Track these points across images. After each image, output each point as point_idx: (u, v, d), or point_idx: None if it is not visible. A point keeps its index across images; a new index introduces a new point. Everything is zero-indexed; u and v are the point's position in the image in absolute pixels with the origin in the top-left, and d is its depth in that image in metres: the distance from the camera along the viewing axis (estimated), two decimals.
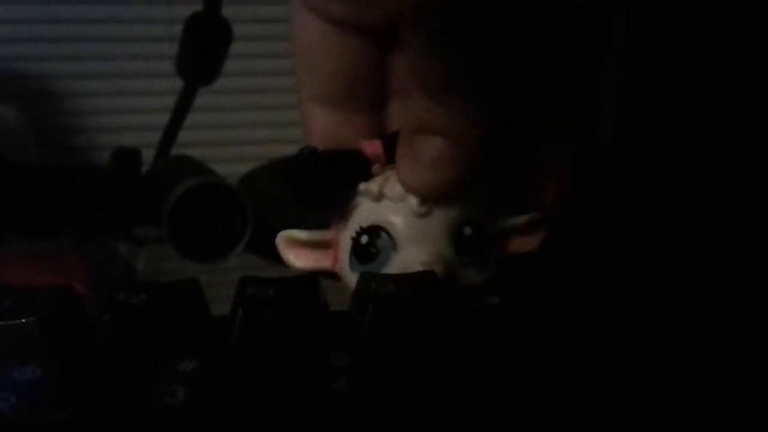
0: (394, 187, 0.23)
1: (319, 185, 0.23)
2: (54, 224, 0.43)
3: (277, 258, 0.28)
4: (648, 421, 0.18)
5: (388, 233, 0.22)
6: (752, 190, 0.38)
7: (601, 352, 0.20)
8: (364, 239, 0.23)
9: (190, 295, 0.20)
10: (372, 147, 0.24)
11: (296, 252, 0.24)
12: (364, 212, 0.23)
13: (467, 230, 0.22)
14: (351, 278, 0.23)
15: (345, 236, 0.23)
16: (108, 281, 0.40)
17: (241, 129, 0.87)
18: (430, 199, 0.22)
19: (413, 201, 0.22)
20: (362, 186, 0.23)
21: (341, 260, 0.24)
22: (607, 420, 0.18)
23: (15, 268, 0.35)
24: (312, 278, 0.22)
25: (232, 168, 0.56)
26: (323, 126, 0.26)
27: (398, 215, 0.22)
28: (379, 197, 0.23)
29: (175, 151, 0.52)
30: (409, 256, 0.22)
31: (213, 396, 0.17)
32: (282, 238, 0.24)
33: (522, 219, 0.24)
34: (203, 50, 0.48)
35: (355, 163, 0.24)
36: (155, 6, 0.81)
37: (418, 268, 0.21)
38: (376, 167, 0.24)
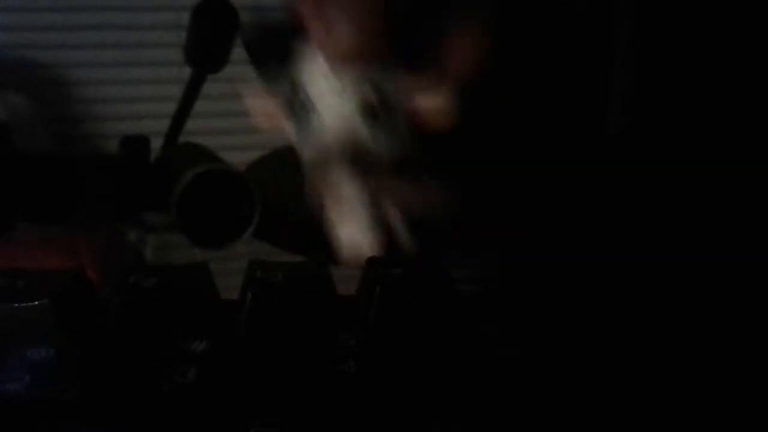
0: (312, 55, 0.26)
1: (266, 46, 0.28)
2: (64, 211, 0.43)
3: (284, 245, 0.29)
4: (651, 413, 0.18)
5: (305, 90, 0.27)
6: (760, 184, 0.38)
7: (602, 341, 0.20)
8: (289, 91, 0.27)
9: (200, 278, 0.20)
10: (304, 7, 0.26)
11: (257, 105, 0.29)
12: (293, 72, 0.27)
13: (372, 95, 0.26)
14: (292, 131, 0.28)
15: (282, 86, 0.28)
16: (117, 267, 0.40)
17: (249, 117, 0.87)
18: (338, 63, 0.26)
19: (323, 65, 0.26)
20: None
21: None
22: (606, 398, 0.18)
23: (26, 253, 0.35)
24: (320, 263, 0.23)
25: (239, 156, 0.56)
26: None
27: (313, 75, 0.26)
28: (301, 62, 0.27)
29: (183, 139, 0.53)
30: (320, 118, 0.26)
31: (224, 376, 0.17)
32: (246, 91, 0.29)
33: (427, 80, 0.26)
34: (211, 38, 0.49)
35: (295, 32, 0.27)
36: None
37: (328, 136, 0.26)
38: None
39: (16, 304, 0.18)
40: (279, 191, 0.50)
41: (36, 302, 0.18)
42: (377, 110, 0.25)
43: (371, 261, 0.21)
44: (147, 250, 0.49)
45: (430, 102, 0.26)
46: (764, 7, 0.37)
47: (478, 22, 0.27)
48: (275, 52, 0.27)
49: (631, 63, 0.42)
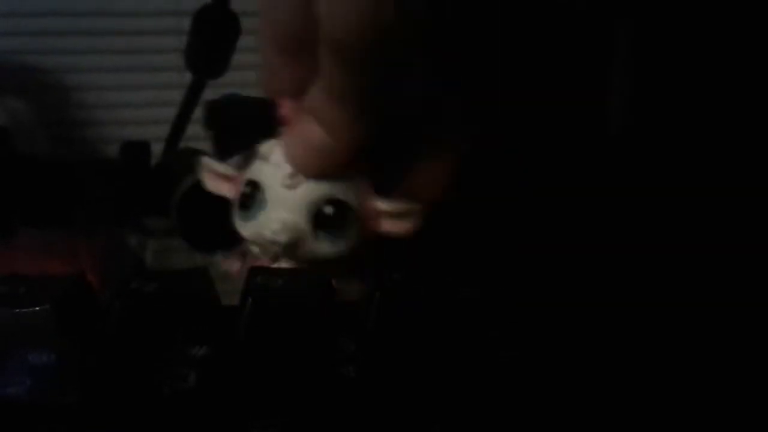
0: (277, 154, 0.25)
1: (228, 125, 0.25)
2: (64, 216, 0.43)
3: None
4: (648, 414, 0.18)
5: (263, 191, 0.25)
6: (760, 185, 0.38)
7: (603, 343, 0.20)
8: (246, 189, 0.25)
9: (201, 282, 0.20)
10: (285, 109, 0.25)
11: (211, 179, 0.27)
12: (255, 166, 0.26)
13: (327, 209, 0.24)
14: (235, 217, 0.26)
15: (243, 178, 0.26)
16: (117, 271, 0.40)
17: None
18: (302, 175, 0.24)
19: (286, 172, 0.24)
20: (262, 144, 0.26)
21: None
22: (602, 407, 0.18)
23: (27, 258, 0.35)
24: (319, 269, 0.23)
25: None
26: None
27: (273, 180, 0.25)
28: (266, 158, 0.25)
29: (183, 144, 0.53)
30: (266, 220, 0.24)
31: (224, 381, 0.17)
32: (204, 164, 0.27)
33: (394, 206, 0.25)
34: (212, 43, 0.49)
35: (263, 116, 0.26)
36: None
37: (267, 234, 0.24)
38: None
39: (17, 310, 0.19)
40: None
41: (37, 307, 0.19)
42: (329, 218, 0.24)
43: (373, 270, 0.22)
44: (147, 255, 0.50)
45: (394, 223, 0.25)
46: (764, 7, 0.38)
47: (452, 150, 0.27)
48: (239, 132, 0.26)
49: (631, 63, 0.42)
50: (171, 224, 0.43)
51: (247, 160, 0.26)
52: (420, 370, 0.18)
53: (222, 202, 0.43)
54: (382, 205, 0.25)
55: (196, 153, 0.49)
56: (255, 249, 0.26)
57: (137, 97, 0.84)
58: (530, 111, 0.39)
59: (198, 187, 0.42)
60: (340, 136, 0.23)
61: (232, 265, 0.25)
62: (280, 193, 0.24)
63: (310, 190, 0.24)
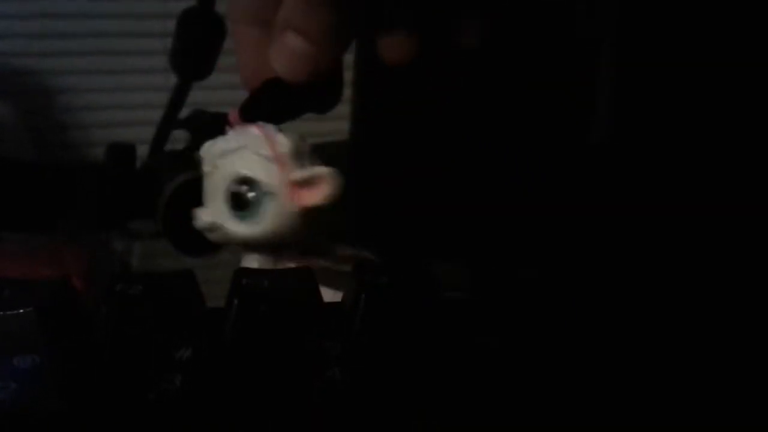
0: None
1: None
2: (49, 219, 0.43)
3: None
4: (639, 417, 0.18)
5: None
6: (747, 189, 0.38)
7: (595, 351, 0.20)
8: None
9: (186, 285, 0.20)
10: (232, 115, 0.28)
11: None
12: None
13: (243, 188, 0.25)
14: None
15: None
16: (103, 275, 0.40)
17: None
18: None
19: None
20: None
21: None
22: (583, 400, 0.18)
23: (12, 262, 0.35)
24: (306, 270, 0.23)
25: None
26: (253, 49, 0.28)
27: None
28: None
29: (169, 146, 0.53)
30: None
31: (210, 383, 0.17)
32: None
33: (304, 173, 0.24)
34: (197, 45, 0.49)
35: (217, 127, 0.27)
36: (149, 1, 0.81)
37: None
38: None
39: (2, 313, 0.19)
40: None
41: (21, 311, 0.19)
42: (245, 199, 0.25)
43: (358, 268, 0.22)
44: (133, 258, 0.49)
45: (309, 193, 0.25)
46: (747, 16, 0.38)
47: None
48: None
49: (618, 62, 0.43)
50: (157, 227, 0.43)
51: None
52: (406, 371, 0.18)
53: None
54: (296, 174, 0.24)
55: (182, 155, 0.49)
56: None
57: (122, 99, 0.84)
58: (517, 118, 0.39)
59: (184, 190, 0.42)
60: (321, 43, 0.25)
61: None
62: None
63: (223, 174, 0.26)
